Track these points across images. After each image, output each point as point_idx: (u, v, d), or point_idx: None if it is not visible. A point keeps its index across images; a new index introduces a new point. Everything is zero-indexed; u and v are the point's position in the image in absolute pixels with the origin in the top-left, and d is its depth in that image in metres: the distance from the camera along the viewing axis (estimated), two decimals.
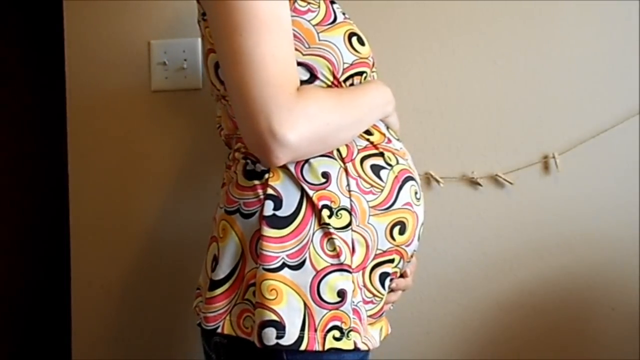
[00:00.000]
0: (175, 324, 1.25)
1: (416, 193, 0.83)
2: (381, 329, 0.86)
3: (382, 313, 0.84)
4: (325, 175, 0.77)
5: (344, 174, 0.78)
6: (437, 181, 1.18)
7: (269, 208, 0.76)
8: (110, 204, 1.26)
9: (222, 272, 0.79)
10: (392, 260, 0.81)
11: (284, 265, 0.74)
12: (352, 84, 0.81)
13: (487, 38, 1.17)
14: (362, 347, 0.76)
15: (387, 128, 0.87)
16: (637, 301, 1.16)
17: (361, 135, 0.82)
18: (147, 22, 1.24)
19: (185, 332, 1.24)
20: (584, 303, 1.17)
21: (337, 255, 0.75)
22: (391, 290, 0.88)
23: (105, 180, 1.26)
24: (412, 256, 0.86)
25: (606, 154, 1.15)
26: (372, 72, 0.88)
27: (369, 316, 0.80)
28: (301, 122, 0.70)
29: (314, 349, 0.73)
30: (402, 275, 0.89)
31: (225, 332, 0.77)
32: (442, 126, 1.19)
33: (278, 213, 0.75)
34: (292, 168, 0.77)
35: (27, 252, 1.89)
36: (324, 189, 0.76)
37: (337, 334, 0.74)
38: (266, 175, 0.77)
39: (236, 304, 0.78)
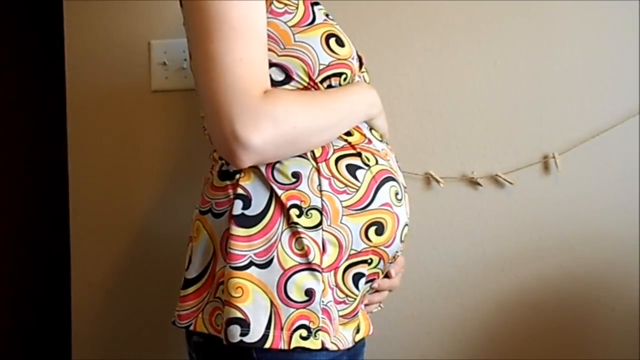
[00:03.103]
0: None
1: (397, 194, 0.82)
2: (357, 329, 0.84)
3: (356, 313, 0.83)
4: (296, 175, 0.77)
5: (315, 174, 0.77)
6: (437, 181, 1.18)
7: (238, 207, 0.76)
8: (110, 204, 1.26)
9: (194, 271, 0.80)
10: (367, 261, 0.79)
11: (251, 263, 0.74)
12: (330, 85, 0.81)
13: (487, 38, 1.17)
14: (331, 347, 0.75)
15: (370, 129, 0.86)
16: (637, 301, 1.16)
17: (339, 135, 0.81)
18: (147, 22, 1.24)
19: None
20: (584, 303, 1.17)
21: (306, 255, 0.74)
22: (376, 291, 0.88)
23: (105, 180, 1.26)
24: (394, 257, 0.86)
25: (606, 154, 1.15)
26: (361, 72, 0.88)
27: (341, 316, 0.79)
28: (266, 126, 0.71)
29: (279, 347, 0.73)
30: (387, 276, 0.89)
31: (198, 329, 0.78)
32: (442, 126, 1.19)
33: (247, 212, 0.76)
34: (262, 168, 0.77)
35: (27, 253, 1.89)
36: (294, 188, 0.76)
37: (304, 333, 0.74)
38: (237, 176, 0.78)
39: (208, 302, 0.78)
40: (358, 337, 0.84)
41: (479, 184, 1.18)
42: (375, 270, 0.82)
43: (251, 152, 0.71)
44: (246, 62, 0.71)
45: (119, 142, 1.25)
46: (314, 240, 0.75)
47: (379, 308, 0.93)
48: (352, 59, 0.83)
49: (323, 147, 0.79)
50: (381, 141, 0.87)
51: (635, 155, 1.15)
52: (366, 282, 0.82)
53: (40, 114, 1.89)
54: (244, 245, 0.75)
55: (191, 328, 0.79)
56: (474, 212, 1.19)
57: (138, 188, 1.25)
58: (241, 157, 0.72)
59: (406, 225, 0.84)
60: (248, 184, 0.77)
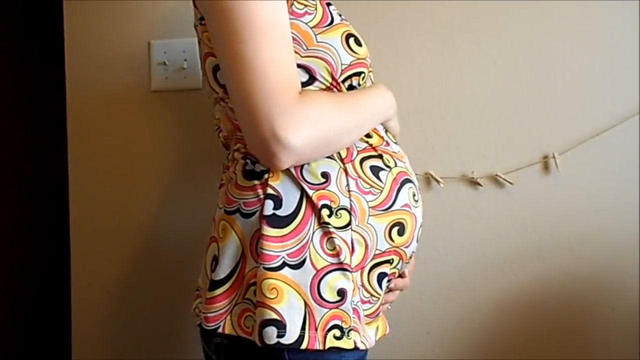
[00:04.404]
0: (175, 324, 1.25)
1: (414, 195, 0.84)
2: (377, 329, 0.86)
3: (379, 313, 0.84)
4: (325, 175, 0.77)
5: (343, 174, 0.78)
6: (437, 181, 1.18)
7: (269, 207, 0.76)
8: (110, 204, 1.26)
9: (222, 272, 0.78)
10: (389, 261, 0.81)
11: (284, 264, 0.74)
12: (350, 85, 0.81)
13: (487, 38, 1.17)
14: (361, 346, 0.76)
15: (386, 131, 0.88)
16: (637, 301, 1.16)
17: (360, 137, 0.82)
18: (147, 22, 1.23)
19: (185, 332, 1.24)
20: (584, 303, 1.17)
21: (337, 255, 0.75)
22: (389, 290, 0.89)
23: (105, 180, 1.26)
24: (410, 257, 0.87)
25: (606, 154, 1.15)
26: (369, 72, 0.89)
27: (366, 316, 0.81)
28: (304, 126, 0.71)
29: (315, 348, 0.73)
30: (401, 276, 0.89)
31: (226, 332, 0.77)
32: (442, 126, 1.19)
33: (278, 212, 0.76)
34: (291, 168, 0.77)
35: (27, 253, 1.89)
36: (324, 188, 0.77)
37: (337, 333, 0.74)
38: (266, 175, 0.78)
39: (237, 304, 0.78)
40: (378, 336, 0.85)
41: (479, 184, 1.18)
42: (394, 270, 0.83)
43: (291, 153, 0.71)
44: (278, 63, 0.71)
45: (119, 142, 1.25)
46: (344, 240, 0.76)
47: (389, 308, 0.93)
48: (368, 57, 0.84)
49: (348, 149, 0.80)
50: (395, 143, 0.88)
51: (635, 155, 1.15)
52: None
53: (40, 114, 1.89)
54: (277, 245, 0.75)
55: (219, 330, 0.78)
56: (474, 212, 1.19)
57: (138, 188, 1.25)
58: (281, 158, 0.72)
59: (421, 225, 0.85)
60: (277, 183, 0.77)
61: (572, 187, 1.16)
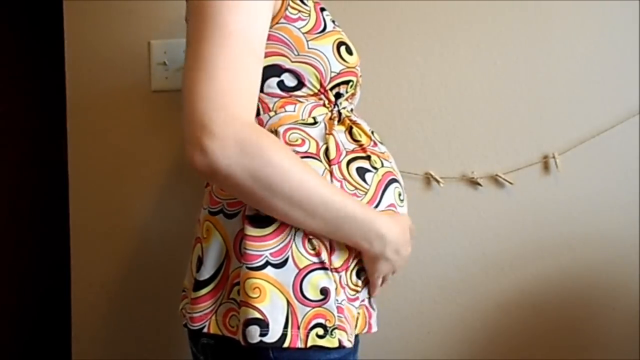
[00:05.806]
0: (175, 324, 1.25)
1: (400, 195, 0.84)
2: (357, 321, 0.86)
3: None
4: None
5: (328, 176, 0.78)
6: (437, 181, 1.18)
7: (251, 207, 0.76)
8: (110, 204, 1.26)
9: (206, 273, 0.79)
10: None
11: (267, 263, 0.74)
12: (338, 92, 0.82)
13: (487, 38, 1.17)
14: (348, 344, 0.76)
15: (372, 132, 0.87)
16: (637, 301, 1.16)
17: (350, 138, 0.82)
18: (147, 22, 1.24)
19: (185, 332, 1.24)
20: (584, 303, 1.17)
21: (318, 254, 0.75)
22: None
23: (105, 180, 1.26)
24: None
25: (606, 154, 1.15)
26: (359, 79, 0.89)
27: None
28: (237, 140, 0.67)
29: (297, 346, 0.73)
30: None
31: (212, 331, 0.78)
32: (442, 126, 1.19)
33: (260, 212, 0.76)
34: None
35: (27, 253, 1.89)
36: None
37: (320, 331, 0.74)
38: None
39: (222, 304, 0.78)
40: (357, 331, 0.85)
41: (479, 184, 1.18)
42: None
43: (214, 145, 0.66)
44: (235, 72, 0.68)
45: (119, 142, 1.25)
46: (322, 241, 0.76)
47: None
48: (358, 66, 0.84)
49: (337, 149, 0.79)
50: (381, 143, 0.88)
51: (635, 155, 1.15)
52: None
53: (40, 114, 1.89)
54: (259, 245, 0.75)
55: (205, 330, 0.78)
56: (474, 212, 1.19)
57: (138, 188, 1.25)
58: (198, 155, 0.67)
59: None
60: None
61: (572, 187, 1.16)
